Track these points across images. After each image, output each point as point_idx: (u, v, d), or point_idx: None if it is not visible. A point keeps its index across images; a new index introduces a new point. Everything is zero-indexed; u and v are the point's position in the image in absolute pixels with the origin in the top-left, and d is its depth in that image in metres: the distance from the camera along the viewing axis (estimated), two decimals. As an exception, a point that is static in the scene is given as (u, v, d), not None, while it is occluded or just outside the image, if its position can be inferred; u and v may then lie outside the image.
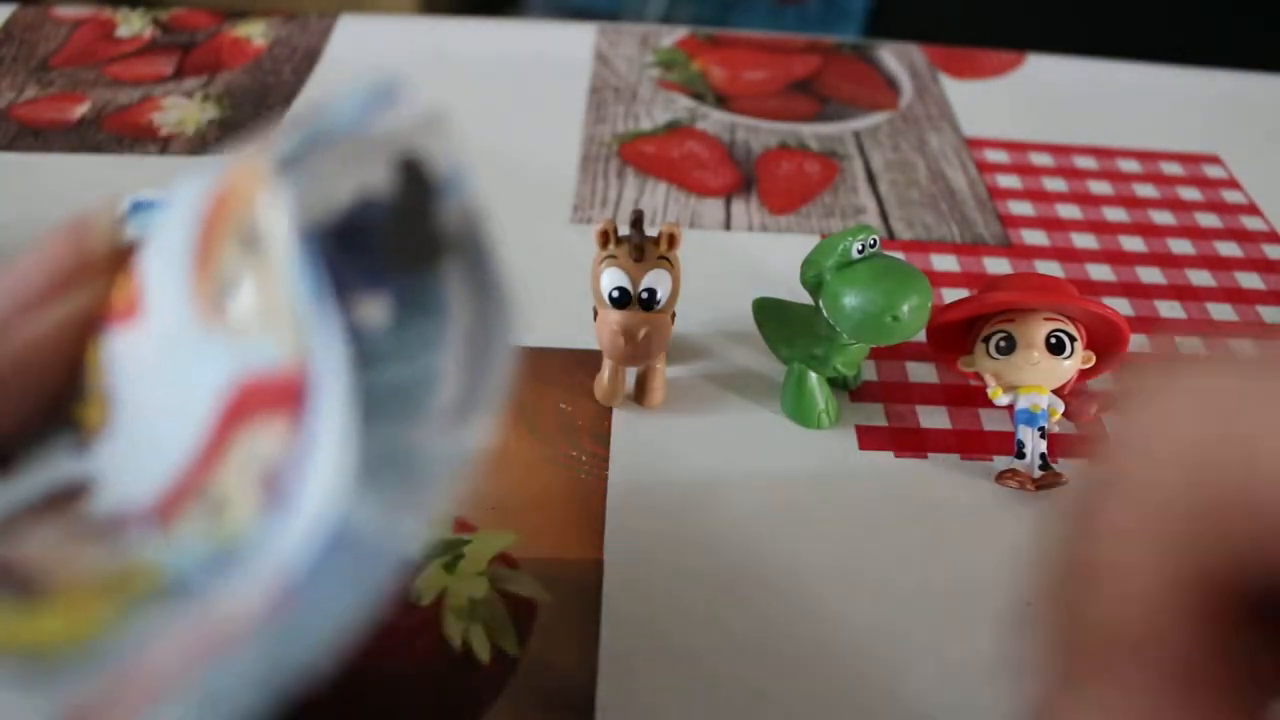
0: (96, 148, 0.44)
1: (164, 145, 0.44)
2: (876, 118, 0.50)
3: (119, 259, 0.16)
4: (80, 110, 0.46)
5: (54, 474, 0.15)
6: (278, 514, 0.12)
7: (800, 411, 0.32)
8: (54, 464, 0.15)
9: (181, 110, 0.47)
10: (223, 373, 0.13)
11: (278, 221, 0.12)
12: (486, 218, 0.15)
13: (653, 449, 0.31)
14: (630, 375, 0.32)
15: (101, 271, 0.16)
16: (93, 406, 0.15)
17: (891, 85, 0.53)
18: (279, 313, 0.12)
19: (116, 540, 0.14)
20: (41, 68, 0.49)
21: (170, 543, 0.13)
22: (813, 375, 0.32)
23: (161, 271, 0.14)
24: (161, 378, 0.14)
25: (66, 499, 0.15)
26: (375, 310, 0.13)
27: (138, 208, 0.17)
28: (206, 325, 0.13)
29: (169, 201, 0.15)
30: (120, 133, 0.45)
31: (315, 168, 0.13)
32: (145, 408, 0.14)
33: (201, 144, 0.45)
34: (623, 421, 0.32)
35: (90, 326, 0.16)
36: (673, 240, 0.29)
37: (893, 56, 0.55)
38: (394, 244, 0.14)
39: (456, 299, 0.14)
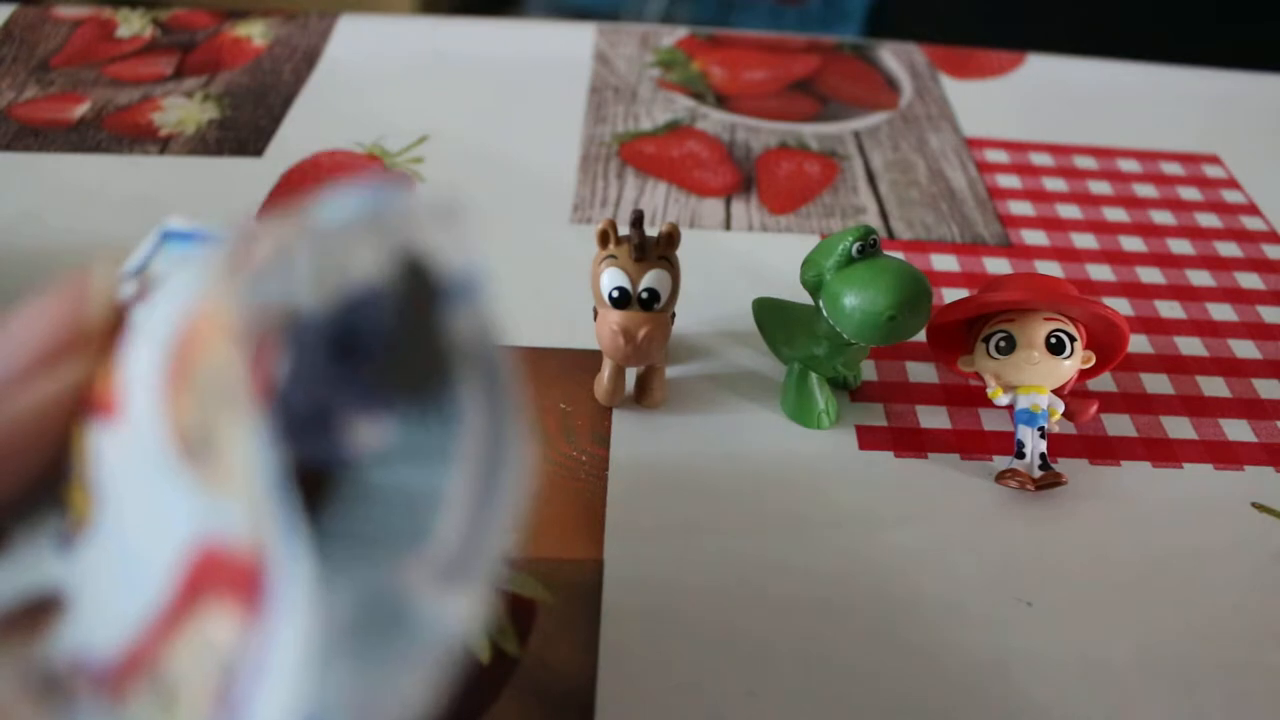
0: (96, 148, 0.44)
1: (164, 145, 0.44)
2: (876, 118, 0.50)
3: (118, 329, 0.15)
4: (80, 110, 0.46)
5: (36, 575, 0.14)
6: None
7: (800, 411, 0.32)
8: (40, 554, 0.14)
9: (181, 110, 0.47)
10: (188, 525, 0.12)
11: (242, 386, 0.11)
12: (499, 328, 0.13)
13: (653, 449, 0.31)
14: (630, 375, 0.32)
15: (97, 343, 0.14)
16: (78, 492, 0.14)
17: (891, 85, 0.53)
18: (241, 481, 0.11)
19: (65, 706, 0.12)
20: (41, 68, 0.49)
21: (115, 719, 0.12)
22: (813, 375, 0.32)
23: (140, 386, 0.13)
24: (137, 499, 0.13)
25: (39, 614, 0.14)
26: (375, 432, 0.12)
27: (169, 238, 0.16)
28: (176, 466, 0.12)
29: (159, 298, 0.13)
30: (120, 133, 0.45)
31: (304, 271, 0.12)
32: (122, 524, 0.13)
33: (201, 144, 0.45)
34: (623, 421, 0.32)
35: (78, 405, 0.14)
36: (672, 240, 0.29)
37: (893, 56, 0.55)
38: (396, 356, 0.12)
39: (471, 413, 0.12)
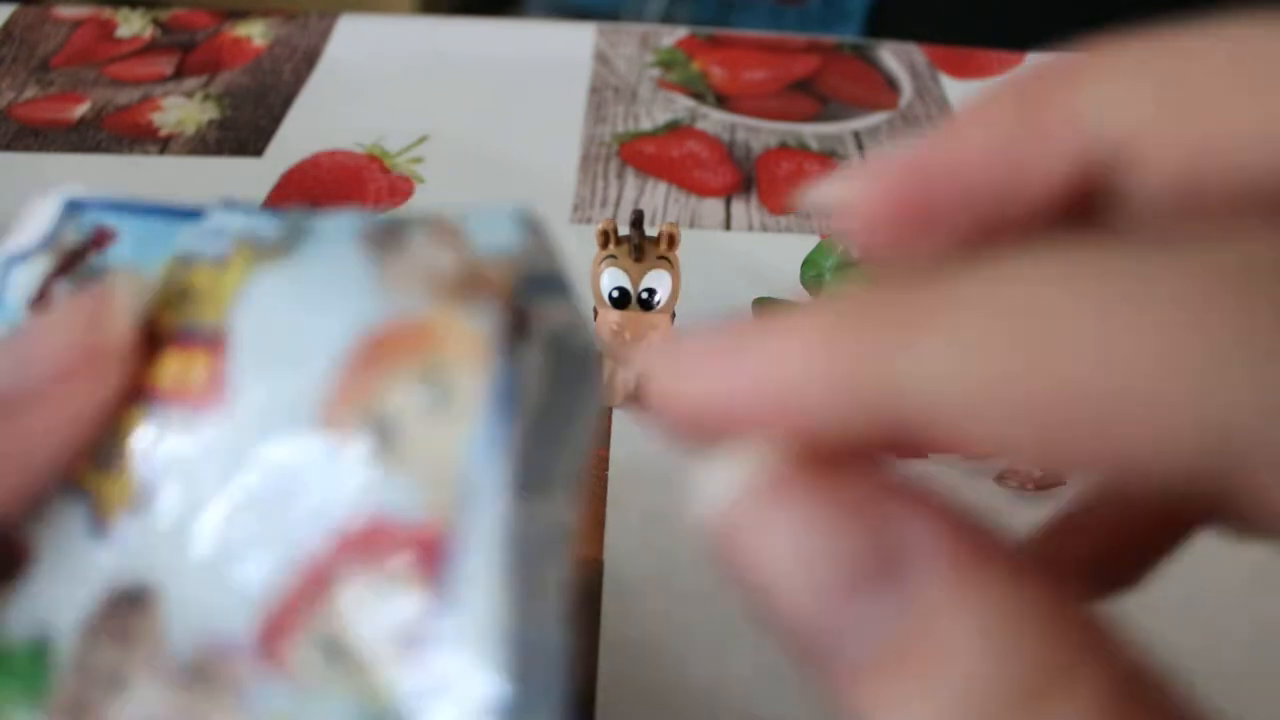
0: (96, 148, 0.44)
1: (164, 145, 0.44)
2: (876, 118, 0.50)
3: (143, 341, 0.14)
4: (80, 110, 0.46)
5: (85, 568, 0.14)
6: (424, 678, 0.12)
7: (800, 411, 0.32)
8: (73, 547, 0.14)
9: (181, 110, 0.47)
10: (340, 500, 0.13)
11: (479, 386, 0.12)
12: (586, 319, 0.14)
13: (653, 449, 0.31)
14: (630, 375, 0.32)
15: (121, 360, 0.14)
16: (113, 482, 0.14)
17: (891, 85, 0.53)
18: (440, 464, 0.12)
19: (235, 690, 0.13)
20: (41, 68, 0.49)
21: (296, 689, 0.12)
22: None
23: (270, 371, 0.13)
24: (247, 483, 0.13)
25: (125, 613, 0.14)
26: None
27: (74, 208, 0.16)
28: (331, 446, 0.13)
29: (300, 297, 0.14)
30: (120, 133, 0.45)
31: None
32: (213, 510, 0.13)
33: (201, 144, 0.45)
34: (623, 421, 0.32)
35: (124, 399, 0.14)
36: (672, 240, 0.29)
37: (893, 56, 0.55)
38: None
39: (530, 378, 0.14)
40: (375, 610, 0.12)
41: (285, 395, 0.13)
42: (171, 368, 0.14)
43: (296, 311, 0.14)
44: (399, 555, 0.12)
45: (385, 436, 0.13)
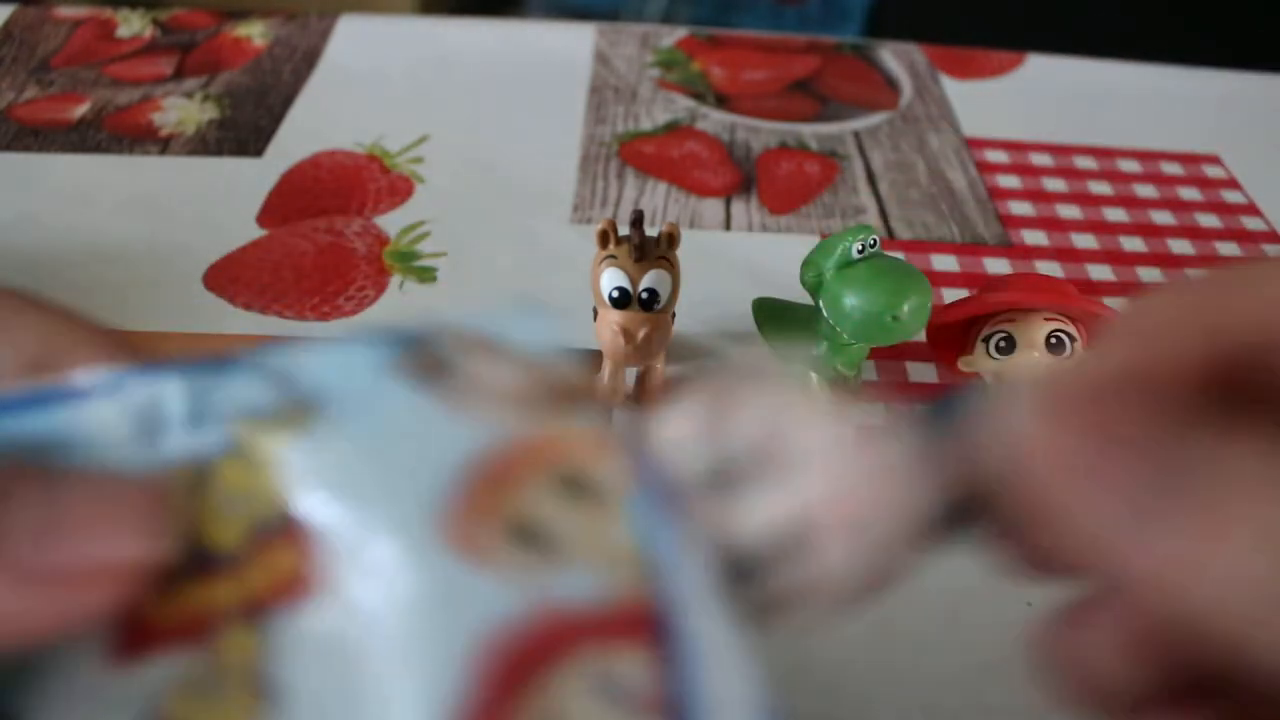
0: (96, 148, 0.44)
1: (164, 145, 0.44)
2: (876, 118, 0.50)
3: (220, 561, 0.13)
4: (80, 110, 0.46)
5: None
6: None
7: (800, 411, 0.32)
8: None
9: (181, 110, 0.47)
10: (498, 611, 0.12)
11: (621, 470, 0.13)
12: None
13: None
14: (630, 375, 0.32)
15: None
16: (224, 702, 0.12)
17: (891, 85, 0.53)
18: (612, 547, 0.12)
19: None
20: (41, 68, 0.50)
21: None
22: (813, 375, 0.32)
23: (373, 536, 0.12)
24: (389, 632, 0.12)
25: None
26: None
27: (58, 401, 0.13)
28: (468, 565, 0.12)
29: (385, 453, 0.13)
30: (120, 133, 0.45)
31: None
32: (343, 692, 0.12)
33: (201, 144, 0.45)
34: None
35: (239, 615, 0.13)
36: (673, 240, 0.29)
37: (893, 56, 0.55)
38: None
39: None
40: (598, 690, 0.12)
41: (398, 552, 0.12)
42: (258, 571, 0.13)
43: (376, 470, 0.13)
44: (608, 638, 0.12)
45: (533, 540, 0.12)
